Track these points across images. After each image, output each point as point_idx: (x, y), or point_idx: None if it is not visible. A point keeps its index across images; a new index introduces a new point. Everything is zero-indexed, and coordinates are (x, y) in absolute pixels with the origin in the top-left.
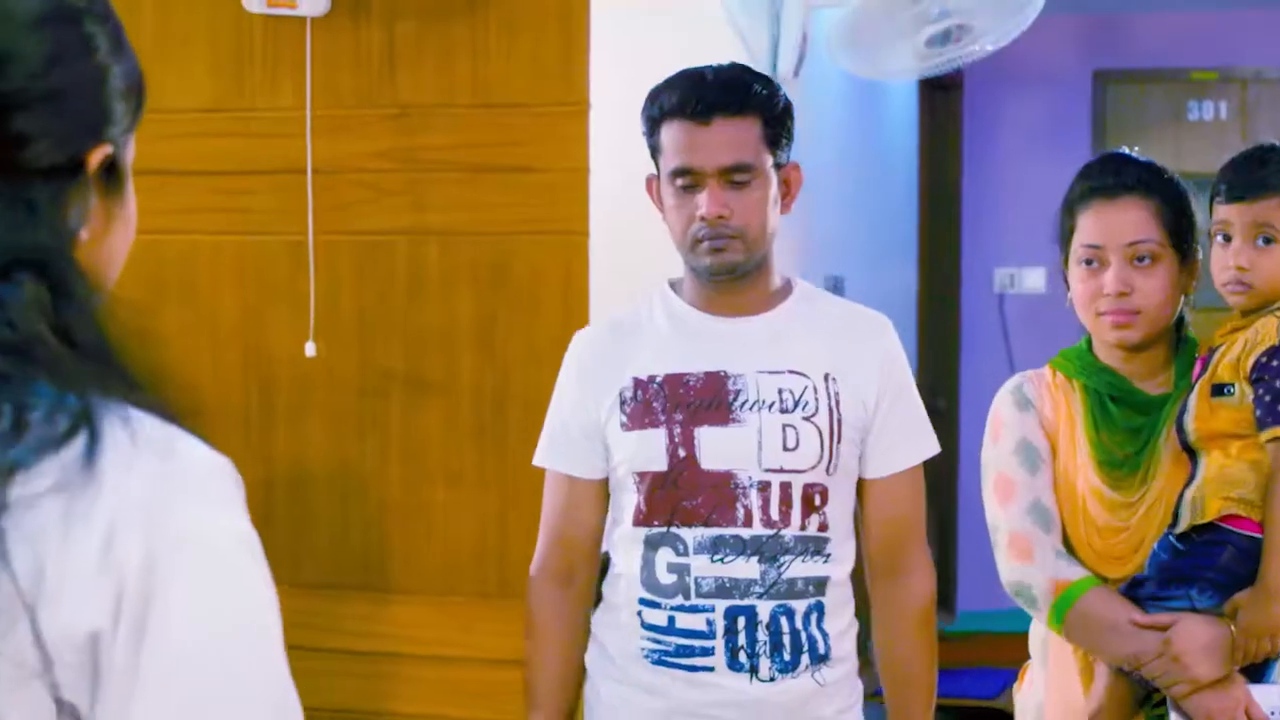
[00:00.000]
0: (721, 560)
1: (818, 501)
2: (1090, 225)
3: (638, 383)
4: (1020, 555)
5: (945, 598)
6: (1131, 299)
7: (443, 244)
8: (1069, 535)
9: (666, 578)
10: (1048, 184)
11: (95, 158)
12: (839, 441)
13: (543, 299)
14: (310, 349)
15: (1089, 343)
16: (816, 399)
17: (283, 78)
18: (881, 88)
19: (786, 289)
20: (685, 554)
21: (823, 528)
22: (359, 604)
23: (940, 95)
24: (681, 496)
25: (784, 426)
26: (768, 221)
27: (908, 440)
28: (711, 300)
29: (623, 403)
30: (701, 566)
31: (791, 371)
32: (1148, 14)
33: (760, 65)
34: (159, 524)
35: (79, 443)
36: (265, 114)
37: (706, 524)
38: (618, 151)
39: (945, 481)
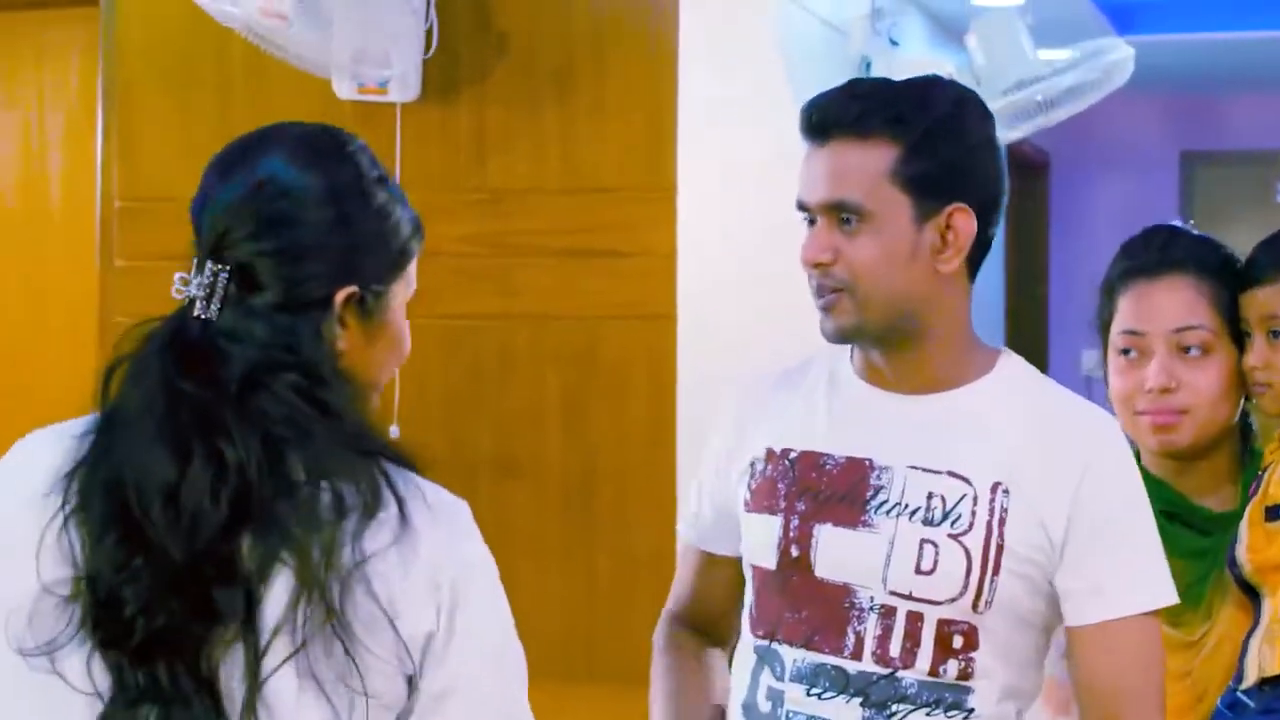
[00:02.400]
0: (818, 695)
1: (958, 644)
2: (1130, 309)
3: (770, 454)
4: (1058, 707)
5: None
6: (1176, 396)
7: (531, 327)
8: None
9: (764, 704)
10: None
11: (340, 296)
12: (995, 572)
13: (630, 382)
14: (394, 431)
15: (1138, 452)
16: (974, 513)
17: None
18: None
19: (984, 365)
20: (782, 679)
21: (964, 676)
22: None
23: (1028, 176)
24: (786, 606)
25: (922, 542)
26: (888, 277)
27: (1117, 583)
28: (875, 369)
29: (751, 475)
30: (795, 699)
31: (951, 473)
32: (1236, 96)
33: None
34: (456, 558)
35: (393, 508)
36: None
37: (807, 645)
38: (705, 235)
39: None
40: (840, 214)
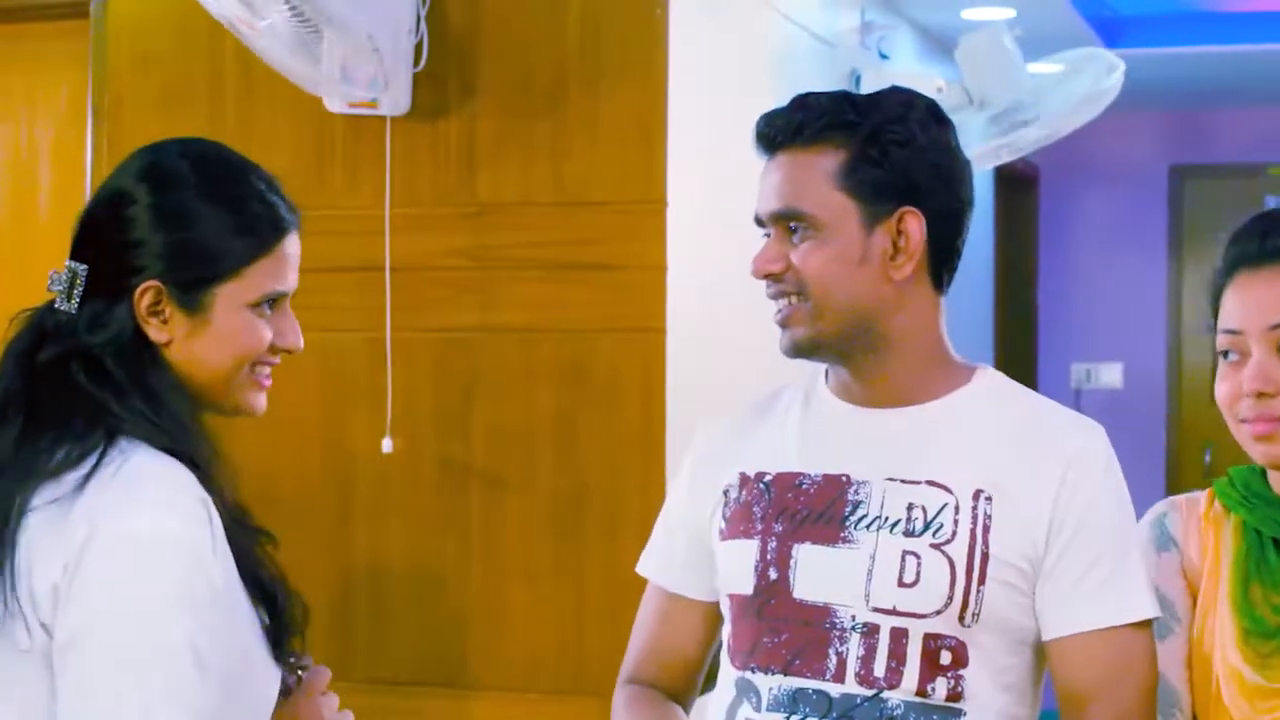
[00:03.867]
0: None
1: (945, 660)
2: (1231, 305)
3: (744, 480)
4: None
5: None
6: (1277, 401)
7: (521, 341)
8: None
9: None
10: (1124, 279)
11: (138, 292)
12: (981, 582)
13: (621, 396)
14: (387, 445)
15: (1262, 470)
16: (957, 521)
17: (363, 176)
18: None
19: (961, 379)
20: (759, 709)
21: (954, 697)
22: (437, 700)
23: (1017, 189)
24: (764, 630)
25: (904, 554)
26: (839, 283)
27: (1092, 593)
28: (846, 386)
29: (725, 504)
30: None
31: (930, 483)
32: (1224, 109)
33: None
34: (106, 523)
35: (83, 470)
36: (345, 212)
37: (786, 671)
38: (696, 249)
39: None
40: (789, 223)
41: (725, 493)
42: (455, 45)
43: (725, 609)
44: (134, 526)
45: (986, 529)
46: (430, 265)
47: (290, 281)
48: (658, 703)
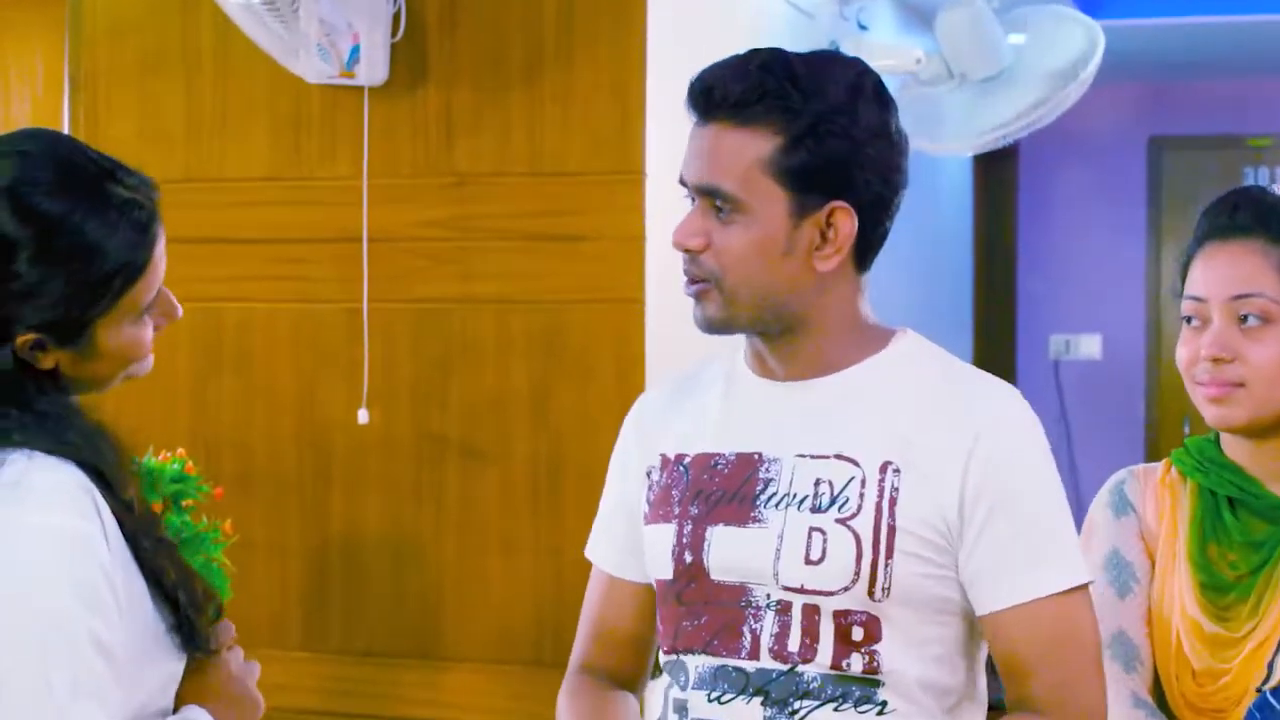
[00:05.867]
0: (718, 700)
1: (858, 636)
2: (1197, 274)
3: (664, 462)
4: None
5: None
6: (1232, 368)
7: (498, 312)
8: (1160, 676)
9: (670, 718)
10: (1103, 250)
11: (19, 342)
12: (889, 556)
13: (598, 367)
14: (363, 416)
15: (1217, 436)
16: (863, 496)
17: (340, 147)
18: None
19: (877, 344)
20: (685, 688)
21: (871, 670)
22: (413, 671)
23: (995, 162)
24: (685, 614)
25: (810, 530)
26: (758, 271)
27: (1020, 562)
28: (761, 359)
29: (649, 487)
30: (698, 705)
31: (839, 456)
32: (1204, 81)
33: None
34: None
35: None
36: (322, 183)
37: (707, 650)
38: (674, 220)
39: None
40: (714, 200)
41: (649, 474)
42: (433, 16)
43: (657, 593)
44: (18, 522)
45: (894, 502)
46: (408, 236)
47: (162, 275)
48: (600, 692)
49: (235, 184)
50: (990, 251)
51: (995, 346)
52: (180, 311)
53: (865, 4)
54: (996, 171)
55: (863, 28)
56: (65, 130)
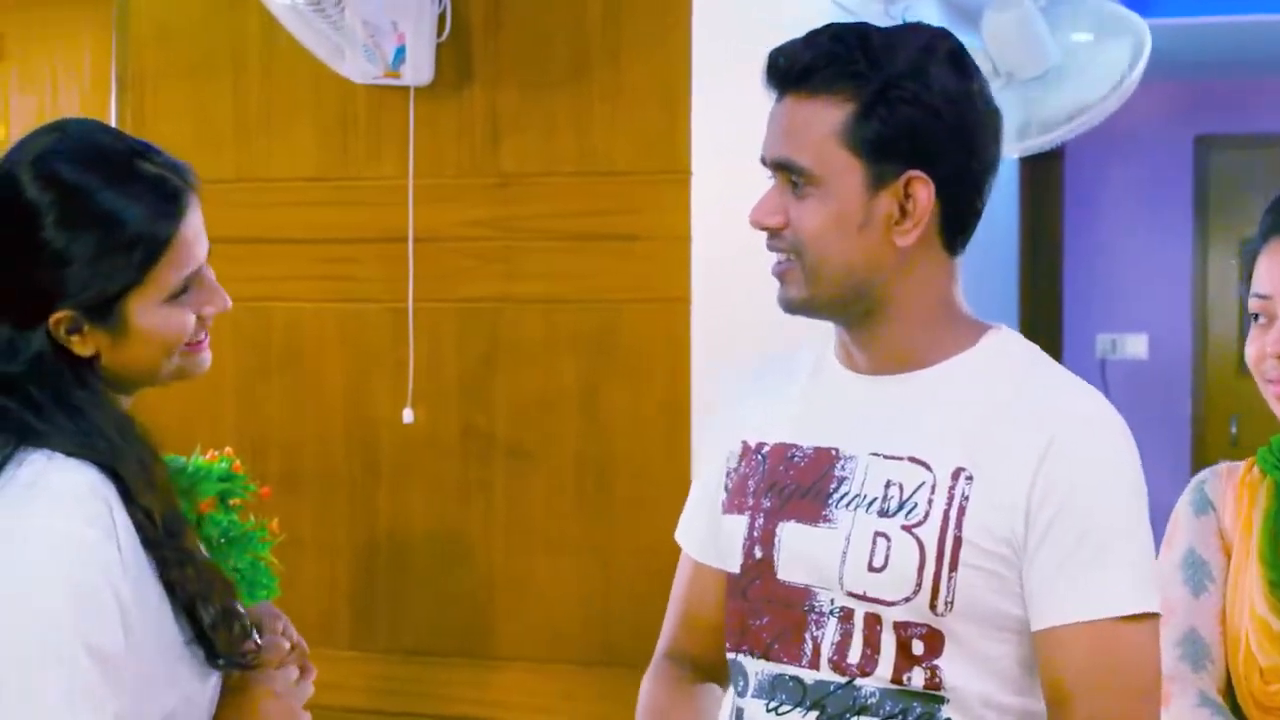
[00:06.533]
0: (775, 710)
1: (919, 650)
2: (1262, 270)
3: (745, 449)
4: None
5: None
6: None
7: (543, 311)
8: (1230, 674)
9: None
10: (1149, 249)
11: (52, 321)
12: (953, 568)
13: (644, 366)
14: (408, 415)
15: None
16: (931, 502)
17: (386, 147)
18: None
19: (966, 341)
20: (744, 694)
21: (933, 686)
22: (461, 670)
23: (1041, 161)
24: (750, 612)
25: (875, 535)
26: (837, 247)
27: (1082, 581)
28: (849, 349)
29: (728, 474)
30: (756, 714)
31: (912, 459)
32: (1250, 79)
33: None
34: None
35: None
36: (368, 183)
37: (767, 655)
38: (720, 219)
39: None
40: (790, 175)
41: (728, 460)
42: (478, 16)
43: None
44: (24, 525)
45: (962, 511)
46: (453, 236)
47: (199, 256)
48: (679, 683)
49: (282, 184)
50: (1036, 251)
51: (1041, 346)
52: (228, 302)
53: (911, 2)
54: (1042, 171)
55: None
56: None
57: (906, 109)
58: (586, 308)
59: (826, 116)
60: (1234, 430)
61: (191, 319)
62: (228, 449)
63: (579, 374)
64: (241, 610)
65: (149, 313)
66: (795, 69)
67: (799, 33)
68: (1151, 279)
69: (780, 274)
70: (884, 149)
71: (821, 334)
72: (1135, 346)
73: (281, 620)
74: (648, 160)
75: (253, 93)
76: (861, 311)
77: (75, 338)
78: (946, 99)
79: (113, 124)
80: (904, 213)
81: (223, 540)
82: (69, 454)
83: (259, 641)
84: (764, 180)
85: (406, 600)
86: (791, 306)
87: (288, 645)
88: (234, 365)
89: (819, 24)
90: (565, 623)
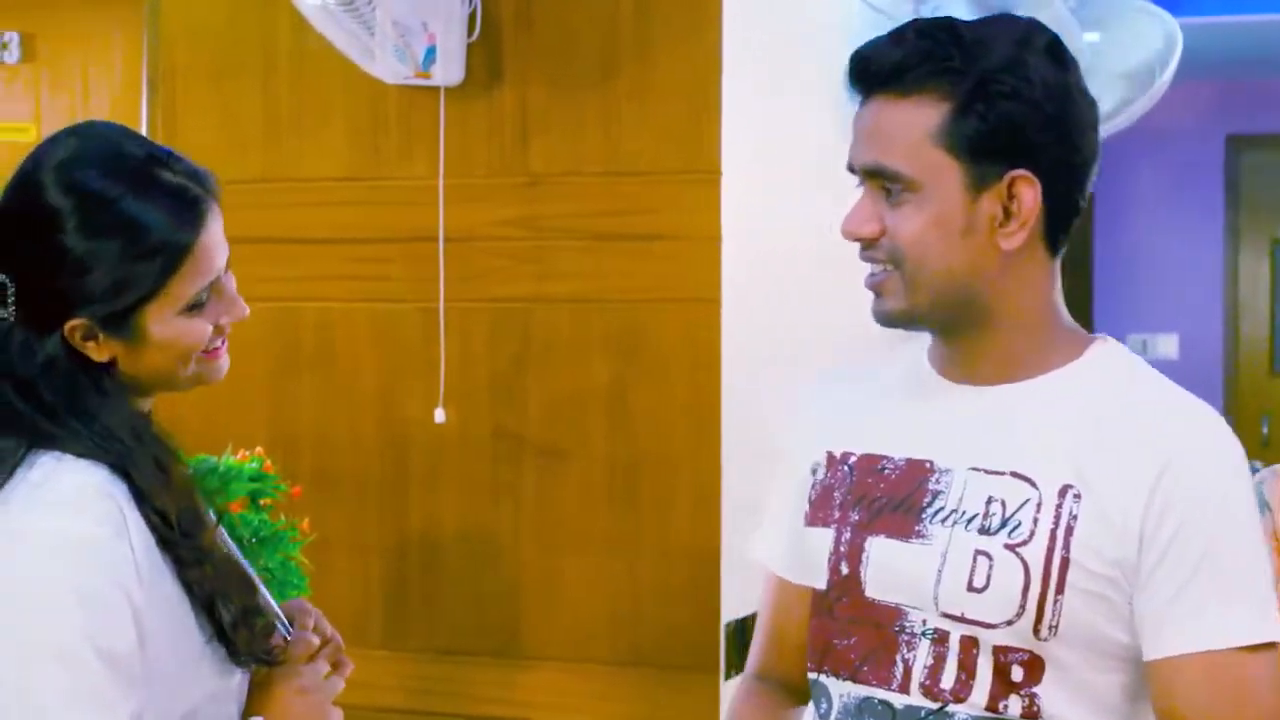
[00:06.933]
0: None
1: (1018, 676)
2: None
3: (830, 459)
4: None
5: None
6: None
7: (573, 311)
8: None
9: None
10: (1180, 249)
11: (68, 328)
12: (1059, 590)
13: (673, 366)
14: (440, 415)
15: None
16: (1036, 520)
17: (416, 147)
18: None
19: (1071, 351)
20: (828, 716)
21: (1031, 715)
22: (492, 670)
23: None
24: (836, 631)
25: (976, 553)
26: (938, 254)
27: (1198, 609)
28: (946, 358)
29: (812, 484)
30: None
31: (1015, 474)
32: None
33: None
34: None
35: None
36: (399, 183)
37: (854, 678)
38: (749, 218)
39: None
40: (883, 181)
41: (813, 471)
42: (508, 16)
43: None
44: (32, 524)
45: (1070, 531)
46: (484, 235)
47: (218, 265)
48: (765, 712)
49: (312, 184)
50: (1066, 250)
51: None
52: (245, 311)
53: (940, 2)
54: None
55: None
56: (143, 130)
57: (1006, 104)
58: (616, 308)
59: (921, 117)
60: (1265, 431)
61: (208, 329)
62: (258, 449)
63: (609, 374)
64: (266, 605)
65: (165, 323)
66: (884, 69)
67: (831, 33)
68: (1182, 279)
69: (876, 285)
70: (984, 148)
71: (853, 341)
72: (1166, 347)
73: (313, 615)
74: (677, 160)
75: (283, 92)
76: (964, 321)
77: (91, 344)
78: (1047, 92)
79: (143, 125)
80: (1008, 214)
81: (253, 540)
82: (79, 455)
83: (289, 636)
84: (793, 178)
85: (438, 599)
86: (889, 319)
87: (317, 641)
88: (265, 365)
89: (850, 23)
90: (595, 623)
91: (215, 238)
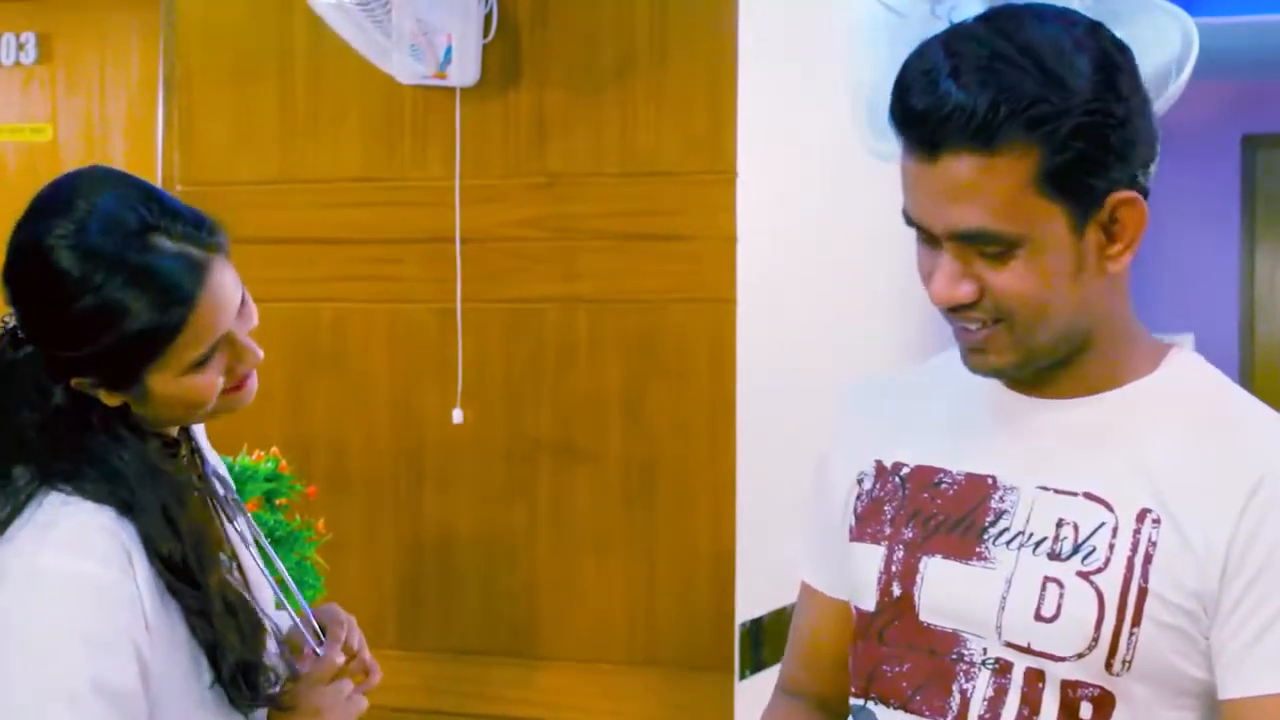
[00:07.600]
0: None
1: (1086, 713)
2: None
3: (879, 470)
4: None
5: None
6: None
7: (590, 312)
8: None
9: None
10: (1195, 250)
11: (75, 383)
12: (1135, 623)
13: (690, 367)
14: (457, 415)
15: None
16: (1113, 546)
17: (432, 147)
18: None
19: (1147, 363)
20: None
21: None
22: (507, 670)
23: None
24: (885, 656)
25: (1045, 580)
26: (1054, 302)
27: None
28: None
29: (858, 496)
30: None
31: (1088, 495)
32: None
33: None
34: (4, 560)
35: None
36: (415, 183)
37: (906, 707)
38: (766, 219)
39: None
40: (980, 246)
41: (859, 481)
42: (525, 16)
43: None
44: (39, 565)
45: (1148, 559)
46: (500, 236)
47: (222, 325)
48: None
49: (328, 185)
50: None
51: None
52: (260, 355)
53: (957, 3)
54: None
55: None
56: (159, 131)
57: (1103, 132)
58: (632, 309)
59: (1015, 169)
60: None
61: (217, 381)
62: (274, 449)
63: (625, 375)
64: (269, 657)
65: (168, 383)
66: (961, 124)
67: (847, 34)
68: (1198, 280)
69: (979, 342)
70: (1085, 183)
71: (879, 340)
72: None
73: (345, 626)
74: (694, 161)
75: (299, 93)
76: (1067, 349)
77: (101, 392)
78: (1132, 108)
79: (159, 125)
80: (1110, 237)
81: (269, 541)
82: (86, 497)
83: (318, 651)
84: (810, 180)
85: (453, 600)
86: (998, 373)
87: (341, 660)
88: (281, 366)
89: (866, 24)
90: (610, 623)
91: (217, 297)
